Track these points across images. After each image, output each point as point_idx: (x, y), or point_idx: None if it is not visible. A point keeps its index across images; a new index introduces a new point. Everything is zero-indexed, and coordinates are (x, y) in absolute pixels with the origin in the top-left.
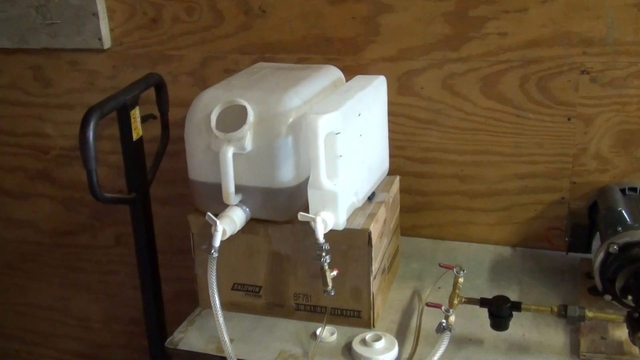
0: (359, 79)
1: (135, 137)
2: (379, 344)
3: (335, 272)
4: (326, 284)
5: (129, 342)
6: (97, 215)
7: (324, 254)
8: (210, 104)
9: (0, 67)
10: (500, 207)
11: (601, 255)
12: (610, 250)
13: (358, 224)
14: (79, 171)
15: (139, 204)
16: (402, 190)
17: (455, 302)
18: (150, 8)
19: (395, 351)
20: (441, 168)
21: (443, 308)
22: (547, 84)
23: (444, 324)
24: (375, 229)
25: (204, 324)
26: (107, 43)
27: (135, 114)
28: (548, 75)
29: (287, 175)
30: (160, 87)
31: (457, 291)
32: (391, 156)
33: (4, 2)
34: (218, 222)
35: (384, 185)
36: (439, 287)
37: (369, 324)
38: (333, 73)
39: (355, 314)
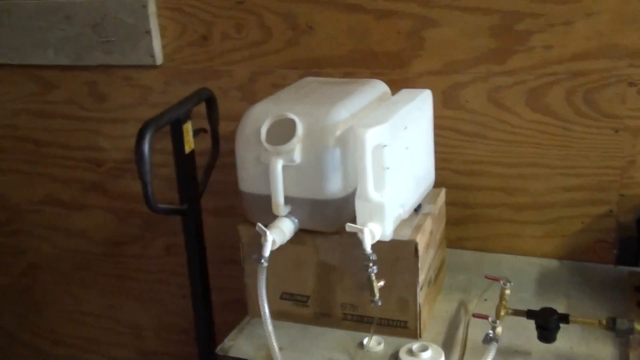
0: (404, 92)
1: (187, 150)
2: (426, 354)
3: (382, 283)
4: (373, 294)
5: (177, 351)
6: (148, 226)
7: (371, 264)
8: (260, 118)
9: (58, 83)
10: (547, 220)
11: None
12: None
13: (405, 235)
14: (131, 183)
15: (191, 214)
16: (448, 202)
17: (502, 313)
18: (201, 25)
19: None
20: (487, 181)
21: (490, 319)
22: (594, 96)
23: (490, 335)
24: (421, 240)
25: (253, 332)
26: (159, 59)
27: (188, 127)
28: (595, 88)
29: (334, 187)
30: (210, 102)
31: (503, 302)
32: (437, 169)
33: (62, 21)
34: (268, 232)
35: (430, 198)
36: (485, 299)
37: (415, 335)
38: (379, 87)
39: (401, 325)
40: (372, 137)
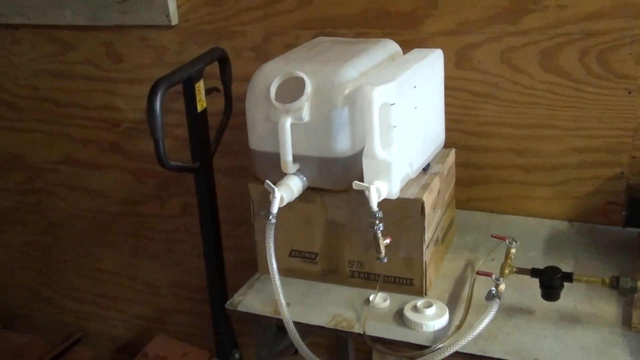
0: (416, 52)
1: (199, 108)
2: (430, 311)
3: (388, 240)
4: (379, 251)
5: (193, 308)
6: (164, 186)
7: (377, 222)
8: (270, 77)
9: (75, 44)
10: (558, 182)
11: None
12: None
13: (412, 193)
14: (147, 143)
15: (203, 173)
16: (458, 163)
17: (507, 271)
18: None
19: (445, 318)
20: (498, 142)
21: (493, 276)
22: (608, 57)
23: (493, 292)
24: (428, 199)
25: (262, 288)
26: (174, 19)
27: (200, 86)
28: (608, 48)
29: (343, 145)
30: (223, 61)
31: (508, 261)
32: (448, 129)
33: None
34: (276, 189)
35: (439, 158)
36: (493, 259)
37: (421, 292)
38: (391, 47)
39: (407, 282)
40: (380, 95)
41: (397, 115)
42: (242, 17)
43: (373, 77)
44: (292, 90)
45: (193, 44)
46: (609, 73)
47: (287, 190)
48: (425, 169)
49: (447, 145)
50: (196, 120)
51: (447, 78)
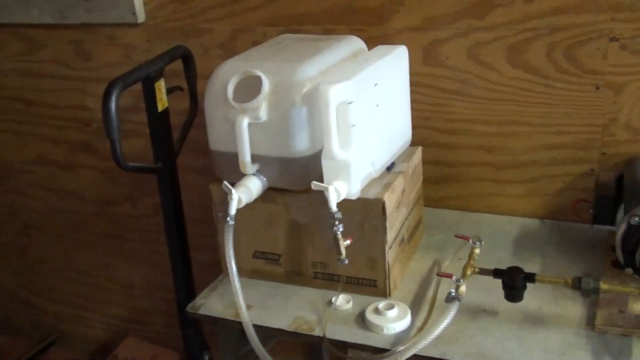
0: (379, 49)
1: (160, 108)
2: (392, 313)
3: (348, 241)
4: (339, 253)
5: (168, 309)
6: (137, 186)
7: (337, 222)
8: (228, 75)
9: (44, 42)
10: (528, 179)
11: (623, 228)
12: (632, 222)
13: (373, 193)
14: None
15: (166, 174)
16: (428, 161)
17: (469, 272)
18: None
19: (407, 320)
20: (467, 139)
21: (454, 278)
22: (575, 52)
23: (452, 294)
24: (390, 199)
25: (225, 290)
26: (140, 17)
27: (160, 85)
28: (576, 43)
29: (302, 145)
30: (187, 60)
31: (471, 262)
32: (417, 127)
33: None
34: (234, 190)
35: (405, 156)
36: (460, 259)
37: (384, 293)
38: (355, 43)
39: (371, 283)
40: (336, 93)
41: (356, 114)
42: (209, 14)
43: (330, 75)
44: (250, 89)
45: (161, 41)
46: (577, 68)
47: (246, 192)
48: (389, 168)
49: (416, 142)
50: (157, 120)
51: (415, 75)
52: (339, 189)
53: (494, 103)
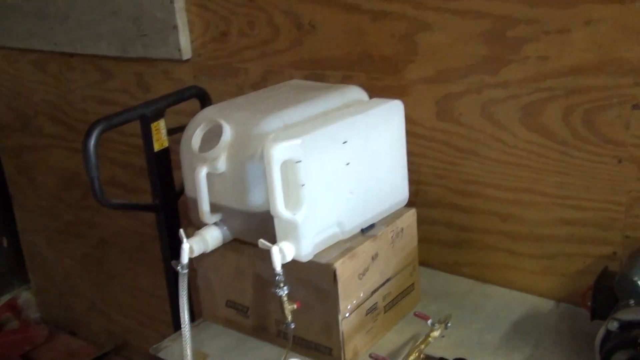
0: (369, 102)
1: (157, 147)
2: None
3: (295, 306)
4: (284, 317)
5: None
6: None
7: (281, 284)
8: (201, 122)
9: (113, 72)
10: (545, 255)
11: (601, 332)
12: (609, 327)
13: (326, 258)
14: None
15: (162, 212)
16: (443, 223)
17: (412, 357)
18: (221, 22)
19: None
20: (482, 203)
21: None
22: (594, 118)
23: None
24: (347, 266)
25: (195, 335)
26: (186, 54)
27: (159, 126)
28: (594, 108)
29: (259, 199)
30: (203, 100)
31: (421, 346)
32: (431, 184)
33: (111, 15)
34: (185, 239)
35: (390, 218)
36: (442, 336)
37: None
38: (352, 94)
39: (327, 351)
40: (280, 152)
41: (309, 173)
42: (244, 54)
43: (284, 132)
44: (218, 138)
45: (205, 77)
46: (596, 137)
47: (200, 242)
48: (364, 230)
49: (430, 202)
50: (153, 159)
51: (430, 129)
52: (285, 250)
53: (508, 167)
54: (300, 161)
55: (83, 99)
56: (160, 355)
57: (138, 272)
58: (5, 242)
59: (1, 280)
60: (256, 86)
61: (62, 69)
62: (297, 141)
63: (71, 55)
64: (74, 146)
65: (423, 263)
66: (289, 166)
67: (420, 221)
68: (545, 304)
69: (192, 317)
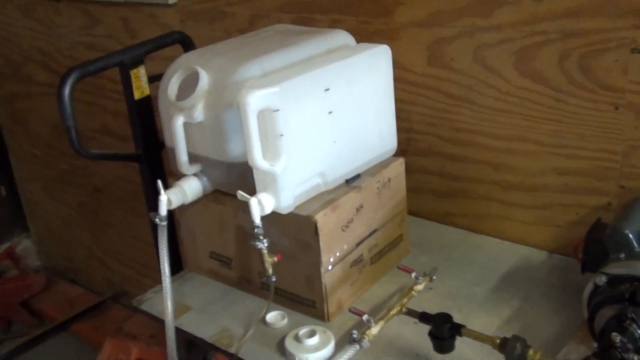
0: (355, 47)
1: (137, 95)
2: (310, 341)
3: (276, 259)
4: (264, 269)
5: None
6: None
7: (260, 237)
8: (180, 69)
9: (99, 17)
10: (538, 205)
11: (589, 286)
12: (597, 281)
13: (308, 209)
14: None
15: (145, 162)
16: (434, 172)
17: (393, 312)
18: None
19: (325, 352)
20: (473, 152)
21: (365, 317)
22: (590, 62)
23: (354, 336)
24: (329, 218)
25: (179, 287)
26: None
27: (138, 73)
28: (591, 52)
29: (237, 150)
30: (186, 46)
31: (404, 300)
32: (422, 133)
33: None
34: (162, 191)
35: (377, 168)
36: (430, 288)
37: (323, 316)
38: (338, 39)
39: (310, 304)
40: (256, 100)
41: (287, 123)
42: None
43: (261, 79)
44: (196, 86)
45: (192, 22)
46: (592, 83)
47: (178, 193)
48: (349, 180)
49: (421, 150)
50: (134, 108)
51: (421, 75)
52: (263, 202)
53: (501, 114)
54: (278, 110)
55: (72, 46)
56: (143, 307)
57: (134, 222)
58: (3, 191)
59: (1, 229)
60: (244, 31)
61: (49, 13)
62: (275, 89)
63: (58, 0)
64: None
65: (415, 213)
66: (266, 115)
67: (412, 170)
68: (538, 255)
69: (179, 268)
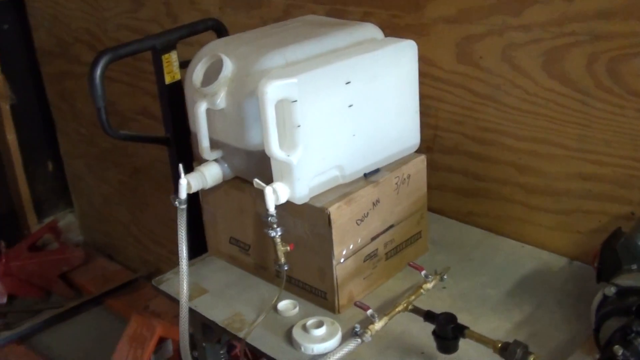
0: (381, 42)
1: (168, 80)
2: (318, 332)
3: (288, 248)
4: (277, 258)
5: None
6: None
7: (274, 225)
8: (206, 56)
9: (143, 1)
10: (560, 210)
11: (599, 296)
12: (606, 292)
13: (324, 201)
14: None
15: (174, 145)
16: (458, 171)
17: (399, 308)
18: None
19: (331, 343)
20: (498, 152)
21: (369, 312)
22: (619, 67)
23: (357, 330)
24: (342, 211)
25: (198, 270)
26: None
27: (170, 58)
28: (620, 56)
29: (257, 138)
30: (219, 32)
31: (411, 297)
32: (448, 130)
33: None
34: (183, 175)
35: (397, 163)
36: (444, 287)
37: (333, 308)
38: (363, 33)
39: (321, 294)
40: (274, 90)
41: (305, 114)
42: None
43: (280, 70)
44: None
45: (230, 9)
46: (620, 88)
47: (198, 177)
48: (367, 175)
49: (446, 148)
50: (165, 92)
51: (449, 72)
52: (278, 191)
53: (526, 115)
54: (295, 101)
55: (117, 28)
56: (162, 287)
57: (170, 203)
58: (50, 166)
59: (47, 203)
60: (279, 20)
61: None
62: (293, 80)
63: None
64: (110, 75)
65: (438, 211)
66: (284, 105)
67: (436, 168)
68: (558, 261)
69: (201, 251)
